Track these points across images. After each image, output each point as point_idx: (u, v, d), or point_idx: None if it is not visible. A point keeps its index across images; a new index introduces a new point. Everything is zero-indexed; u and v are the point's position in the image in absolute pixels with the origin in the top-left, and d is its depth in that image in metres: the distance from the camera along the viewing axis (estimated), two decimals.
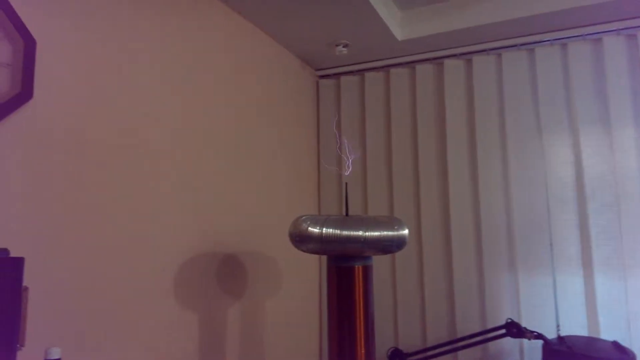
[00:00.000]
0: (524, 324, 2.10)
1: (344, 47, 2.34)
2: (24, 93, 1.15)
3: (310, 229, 1.34)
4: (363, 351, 1.39)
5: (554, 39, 2.19)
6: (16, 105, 1.14)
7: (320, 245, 1.33)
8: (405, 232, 1.42)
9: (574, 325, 2.05)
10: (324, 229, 1.32)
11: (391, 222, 1.39)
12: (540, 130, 2.19)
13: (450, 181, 2.32)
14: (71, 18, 1.31)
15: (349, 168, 1.40)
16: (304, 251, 1.41)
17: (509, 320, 1.96)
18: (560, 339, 1.86)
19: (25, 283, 1.08)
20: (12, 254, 1.08)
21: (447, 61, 2.40)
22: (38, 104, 1.21)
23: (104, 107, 1.39)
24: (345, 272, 1.42)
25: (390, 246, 1.38)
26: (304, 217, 1.39)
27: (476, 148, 2.29)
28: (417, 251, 2.40)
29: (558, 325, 2.07)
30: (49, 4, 1.25)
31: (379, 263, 2.47)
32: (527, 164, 2.20)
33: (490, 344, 2.15)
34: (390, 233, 1.36)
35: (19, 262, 0.95)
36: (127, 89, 1.47)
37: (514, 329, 1.94)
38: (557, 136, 2.17)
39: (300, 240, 1.37)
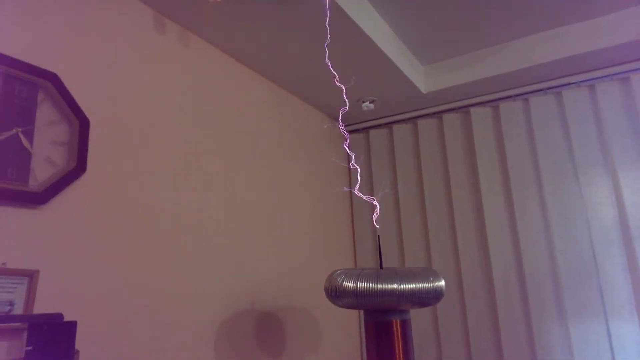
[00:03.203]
0: None
1: (370, 102, 2.43)
2: (78, 168, 1.27)
3: (344, 283, 1.35)
4: None
5: (581, 81, 2.20)
6: (71, 179, 1.25)
7: (355, 299, 1.33)
8: (442, 283, 1.40)
9: None
10: (359, 283, 1.33)
11: (426, 273, 1.39)
12: (577, 172, 2.16)
13: (488, 229, 2.28)
14: (123, 98, 1.46)
15: (376, 214, 1.41)
16: (340, 306, 1.41)
17: None
18: None
19: (76, 346, 1.14)
20: (65, 318, 1.15)
21: (473, 109, 2.43)
22: (91, 177, 1.32)
23: (152, 178, 1.50)
24: (383, 326, 1.41)
25: (427, 299, 1.36)
26: (338, 272, 1.41)
27: (511, 193, 2.26)
28: (459, 302, 2.33)
29: None
30: (102, 86, 1.40)
31: (421, 316, 2.41)
32: (566, 208, 2.15)
33: None
34: (425, 285, 1.35)
35: (71, 326, 1.01)
36: (173, 160, 1.59)
37: None
38: (595, 177, 2.12)
39: (336, 295, 1.37)
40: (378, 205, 2.52)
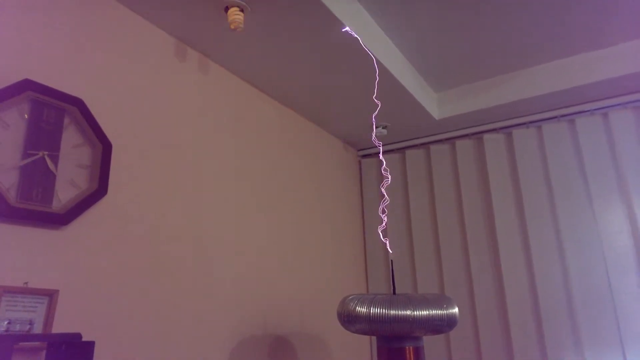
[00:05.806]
0: None
1: (383, 128, 2.46)
2: (99, 190, 1.31)
3: (357, 308, 1.35)
4: None
5: (595, 109, 2.21)
6: (93, 201, 1.29)
7: (368, 325, 1.33)
8: (455, 310, 1.39)
9: None
10: (372, 308, 1.33)
11: (440, 300, 1.38)
12: (591, 200, 2.14)
13: (502, 255, 2.26)
14: (144, 123, 1.50)
15: (389, 250, 1.42)
16: (353, 332, 1.41)
17: None
18: None
19: None
20: (83, 339, 1.17)
21: (486, 136, 2.45)
22: (111, 199, 1.36)
23: (171, 202, 1.53)
24: (396, 353, 1.39)
25: (440, 326, 1.35)
26: (351, 297, 1.41)
27: (525, 220, 2.25)
28: (472, 331, 2.30)
29: None
30: (124, 111, 1.45)
31: (434, 344, 2.38)
32: (581, 235, 2.13)
33: None
34: (439, 312, 1.35)
35: (89, 346, 1.03)
36: (192, 184, 1.62)
37: None
38: (609, 205, 2.11)
39: (348, 320, 1.37)
40: (387, 233, 2.51)
